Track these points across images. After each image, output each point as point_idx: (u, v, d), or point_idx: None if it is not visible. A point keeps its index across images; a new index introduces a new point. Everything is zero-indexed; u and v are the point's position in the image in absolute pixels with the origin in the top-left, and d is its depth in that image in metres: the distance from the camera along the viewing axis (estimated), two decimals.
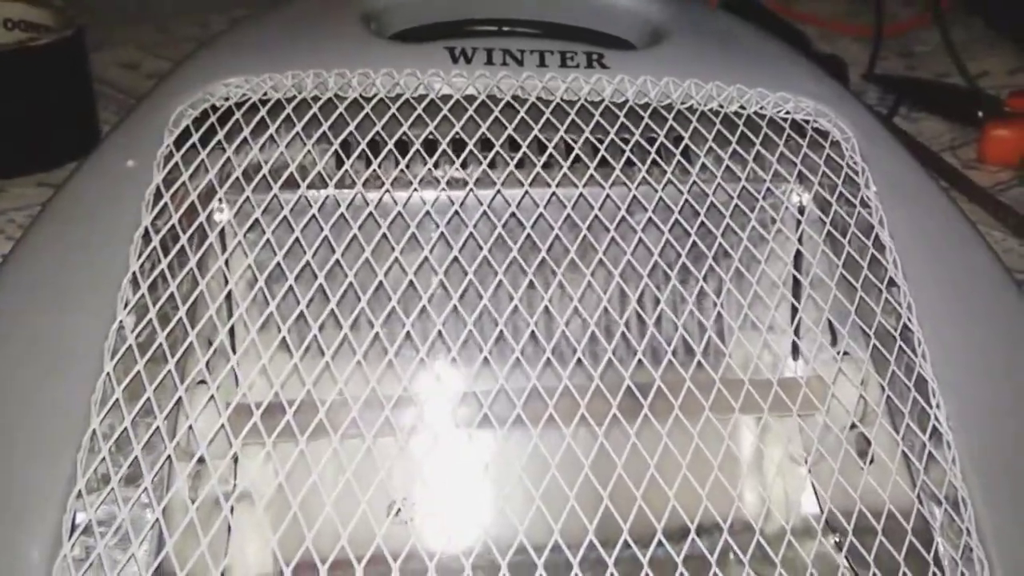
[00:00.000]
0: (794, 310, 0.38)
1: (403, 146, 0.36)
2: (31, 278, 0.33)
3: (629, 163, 0.37)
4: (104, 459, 0.29)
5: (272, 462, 0.30)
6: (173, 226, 0.34)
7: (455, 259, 0.34)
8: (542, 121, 0.37)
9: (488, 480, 0.31)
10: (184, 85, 0.38)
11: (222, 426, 0.31)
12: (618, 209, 0.36)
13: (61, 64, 0.68)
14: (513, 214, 0.35)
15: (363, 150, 0.36)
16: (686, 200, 0.37)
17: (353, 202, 0.34)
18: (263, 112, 0.36)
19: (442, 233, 0.34)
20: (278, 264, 0.33)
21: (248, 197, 0.34)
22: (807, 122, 0.40)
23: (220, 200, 0.36)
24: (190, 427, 0.31)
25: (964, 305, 0.37)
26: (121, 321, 0.31)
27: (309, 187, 0.35)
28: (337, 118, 0.36)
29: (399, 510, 0.36)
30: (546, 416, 0.31)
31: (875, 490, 0.33)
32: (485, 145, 0.36)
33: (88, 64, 0.71)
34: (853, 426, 0.36)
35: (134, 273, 0.32)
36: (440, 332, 0.32)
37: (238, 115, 0.36)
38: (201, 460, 0.31)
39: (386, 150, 0.36)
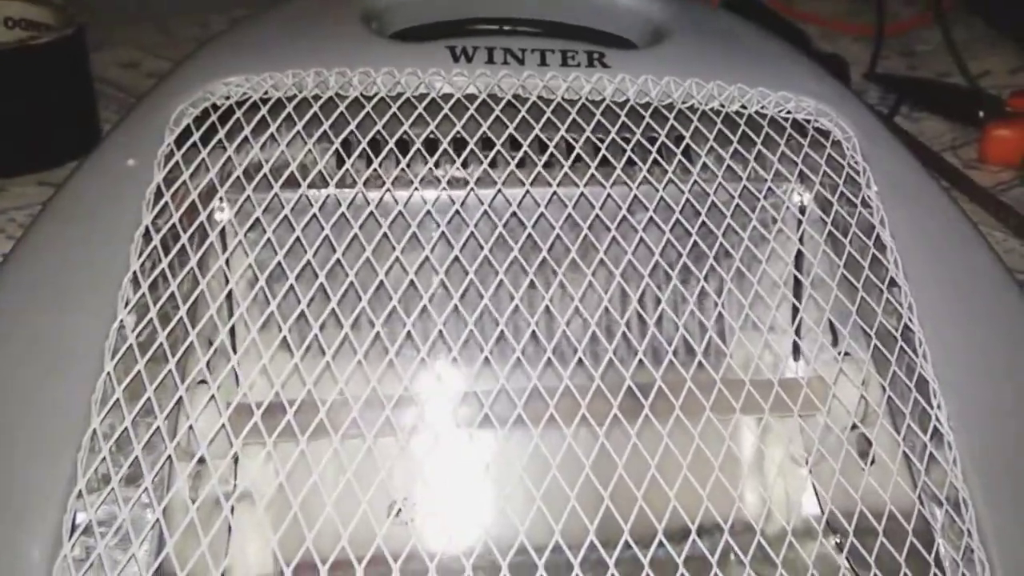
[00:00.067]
0: (795, 310, 0.38)
1: (404, 145, 0.36)
2: (32, 277, 0.33)
3: (630, 162, 0.37)
4: (104, 459, 0.29)
5: (273, 462, 0.30)
6: (174, 225, 0.34)
7: (456, 258, 0.34)
8: (543, 120, 0.37)
9: (489, 480, 0.31)
10: (185, 84, 0.38)
11: (223, 426, 0.31)
12: (619, 208, 0.36)
13: (62, 63, 0.68)
14: (514, 213, 0.35)
15: (364, 149, 0.36)
16: (687, 200, 0.37)
17: (354, 201, 0.34)
18: (264, 111, 0.36)
19: (443, 232, 0.34)
20: (279, 263, 0.33)
21: (249, 196, 0.34)
22: (808, 121, 0.40)
23: (221, 199, 0.36)
24: (190, 427, 0.31)
25: (965, 305, 0.37)
26: (122, 320, 0.31)
27: (310, 186, 0.35)
28: (338, 117, 0.36)
29: (400, 510, 0.36)
30: (547, 416, 0.31)
31: (876, 491, 0.32)
32: (486, 144, 0.36)
33: (88, 63, 0.71)
34: (854, 427, 0.36)
35: (135, 272, 0.32)
36: (441, 332, 0.32)
37: (239, 114, 0.36)
38: (201, 460, 0.31)
39: (387, 149, 0.36)
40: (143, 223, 0.33)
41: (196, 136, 0.36)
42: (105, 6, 0.85)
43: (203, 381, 0.32)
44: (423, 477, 0.31)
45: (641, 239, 0.35)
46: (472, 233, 0.34)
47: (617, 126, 0.38)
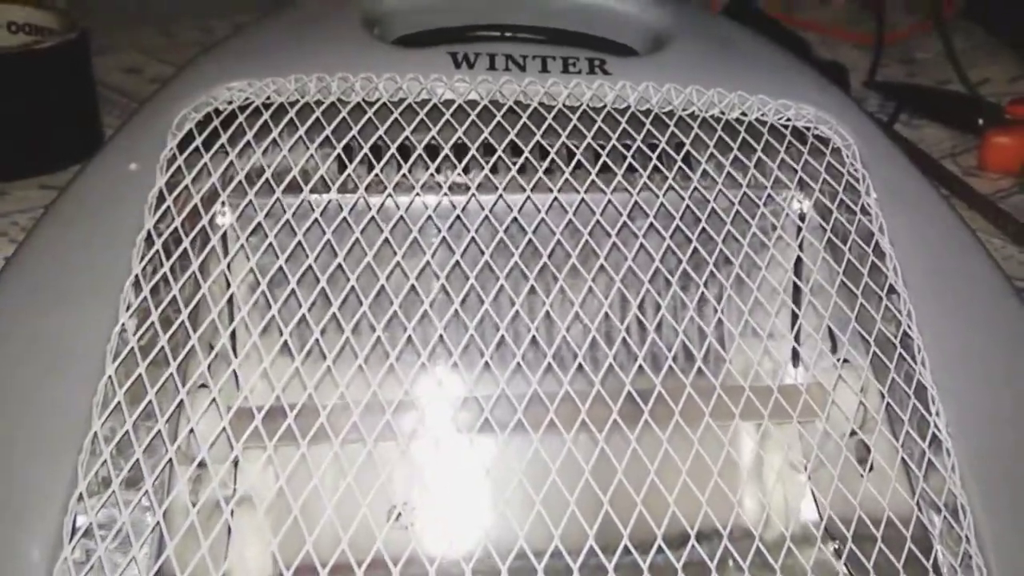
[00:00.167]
0: (794, 317, 0.38)
1: (405, 151, 0.36)
2: (34, 280, 0.33)
3: (631, 169, 0.37)
4: (105, 462, 0.29)
5: (273, 466, 0.30)
6: (175, 229, 0.34)
7: (456, 264, 0.34)
8: (544, 126, 0.37)
9: (489, 485, 0.31)
10: (187, 89, 0.38)
11: (223, 430, 0.31)
12: (619, 215, 0.36)
13: (65, 67, 0.68)
14: (515, 219, 0.35)
15: (366, 154, 0.36)
16: (687, 206, 0.37)
17: (355, 206, 0.35)
18: (266, 116, 0.36)
19: (444, 238, 0.34)
20: (280, 268, 0.33)
21: (250, 201, 0.35)
22: (808, 129, 0.40)
23: (222, 204, 0.36)
24: (191, 431, 0.31)
25: (964, 312, 0.37)
26: (123, 324, 0.31)
27: (311, 191, 0.35)
28: (340, 122, 0.36)
29: (399, 514, 0.36)
30: (547, 421, 0.31)
31: (875, 497, 0.33)
32: (487, 150, 0.36)
33: (91, 67, 0.71)
34: (853, 433, 0.36)
35: (136, 276, 0.32)
36: (441, 337, 0.32)
37: (241, 119, 0.36)
38: (202, 464, 0.31)
39: (388, 155, 0.36)
40: (145, 227, 0.33)
41: (198, 141, 0.36)
42: (107, 8, 0.85)
43: (204, 385, 0.32)
44: (423, 481, 0.31)
45: (641, 245, 0.35)
46: (473, 238, 0.34)
47: (618, 133, 0.38)
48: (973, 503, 0.32)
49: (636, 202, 0.36)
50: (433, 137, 0.37)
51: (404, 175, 0.35)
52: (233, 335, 0.35)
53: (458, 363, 0.32)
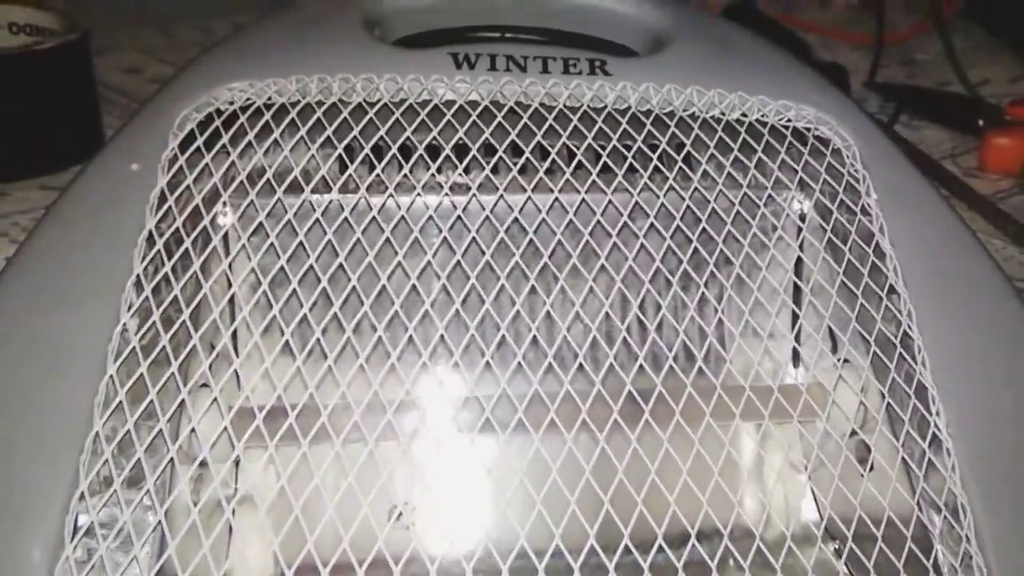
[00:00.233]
0: (795, 317, 0.38)
1: (406, 151, 0.36)
2: (35, 280, 0.33)
3: (631, 169, 0.37)
4: (106, 461, 0.29)
5: (274, 465, 0.30)
6: (177, 229, 0.34)
7: (457, 264, 0.34)
8: (545, 127, 0.37)
9: (489, 484, 0.31)
10: (188, 89, 0.38)
11: (224, 429, 0.31)
12: (620, 215, 0.36)
13: (66, 67, 0.68)
14: (515, 219, 0.35)
15: (367, 155, 0.36)
16: (688, 206, 0.37)
17: (356, 207, 0.35)
18: (267, 116, 0.37)
19: (445, 238, 0.34)
20: (281, 268, 0.33)
21: (252, 201, 0.35)
22: (808, 130, 0.40)
23: (224, 204, 0.36)
24: (192, 430, 0.31)
25: (964, 313, 0.37)
26: (124, 324, 0.31)
27: (312, 191, 0.35)
28: (341, 123, 0.36)
29: (400, 514, 0.36)
30: (547, 421, 0.31)
31: (875, 497, 0.33)
32: (488, 151, 0.37)
33: (92, 68, 0.71)
34: (853, 433, 0.36)
35: (138, 276, 0.32)
36: (442, 336, 0.32)
37: (242, 119, 0.36)
38: (203, 463, 0.31)
39: (389, 155, 0.36)
40: (146, 227, 0.33)
41: (200, 141, 0.36)
42: (107, 8, 0.85)
43: (205, 384, 0.32)
44: (424, 481, 0.31)
45: (642, 245, 0.36)
46: (474, 239, 0.34)
47: (618, 133, 0.38)
48: (973, 503, 0.32)
49: (637, 202, 0.36)
50: (434, 137, 0.37)
51: (405, 175, 0.35)
52: (234, 335, 0.35)
53: (459, 363, 0.32)
